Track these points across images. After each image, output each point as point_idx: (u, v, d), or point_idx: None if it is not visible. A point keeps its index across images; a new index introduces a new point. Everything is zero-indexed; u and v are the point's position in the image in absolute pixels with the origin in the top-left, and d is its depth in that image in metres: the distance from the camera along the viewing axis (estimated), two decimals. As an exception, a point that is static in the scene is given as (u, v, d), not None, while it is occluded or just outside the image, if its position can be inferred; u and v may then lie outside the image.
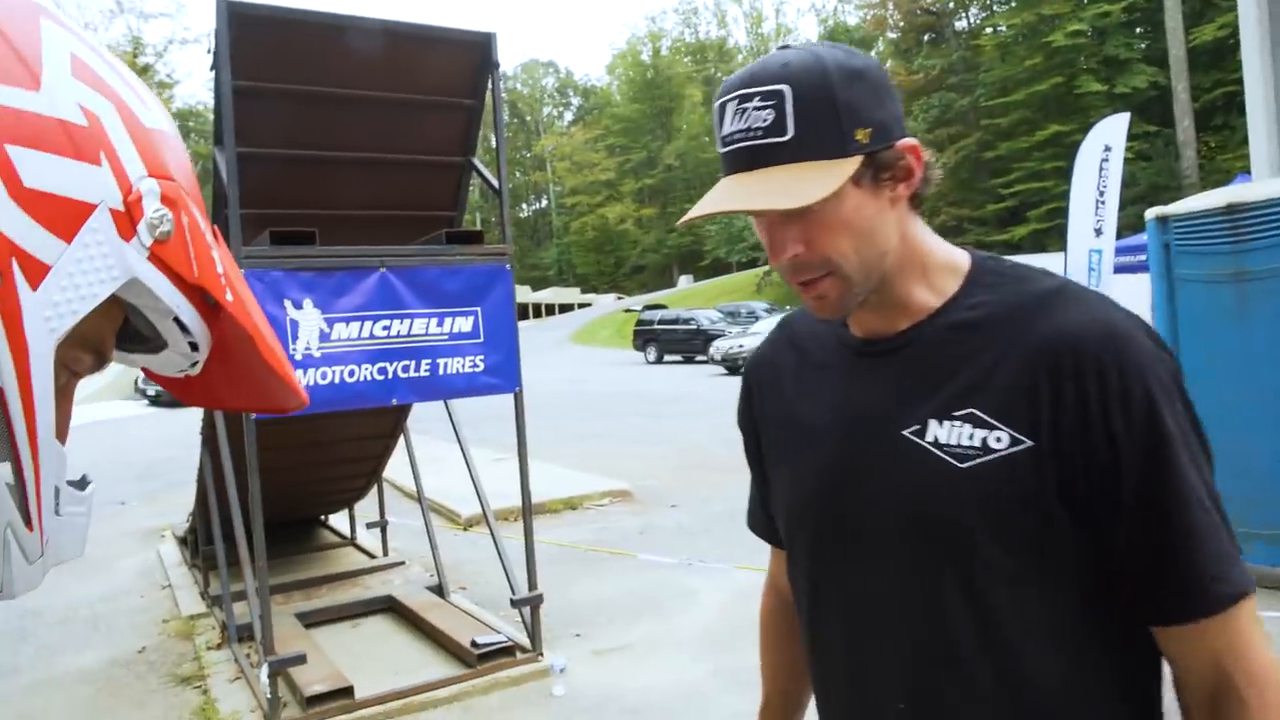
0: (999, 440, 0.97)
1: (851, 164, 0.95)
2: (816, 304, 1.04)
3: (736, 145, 0.98)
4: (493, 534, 5.16)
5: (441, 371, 4.51)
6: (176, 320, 0.59)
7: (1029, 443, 0.96)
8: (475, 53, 4.81)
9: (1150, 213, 5.11)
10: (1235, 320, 4.88)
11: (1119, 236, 10.92)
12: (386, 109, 4.85)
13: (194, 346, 0.63)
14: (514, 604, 4.88)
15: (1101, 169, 10.46)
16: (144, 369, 0.68)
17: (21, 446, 0.52)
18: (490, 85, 4.88)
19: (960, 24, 46.68)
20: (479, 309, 4.61)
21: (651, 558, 6.81)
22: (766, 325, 26.58)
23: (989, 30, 43.89)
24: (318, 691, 4.27)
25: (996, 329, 1.01)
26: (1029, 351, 0.97)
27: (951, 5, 45.92)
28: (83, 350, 0.58)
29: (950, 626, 1.02)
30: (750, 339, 24.95)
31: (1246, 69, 5.90)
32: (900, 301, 1.06)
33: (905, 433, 1.03)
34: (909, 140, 1.00)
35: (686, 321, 30.30)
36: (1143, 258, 12.06)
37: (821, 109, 0.95)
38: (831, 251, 0.99)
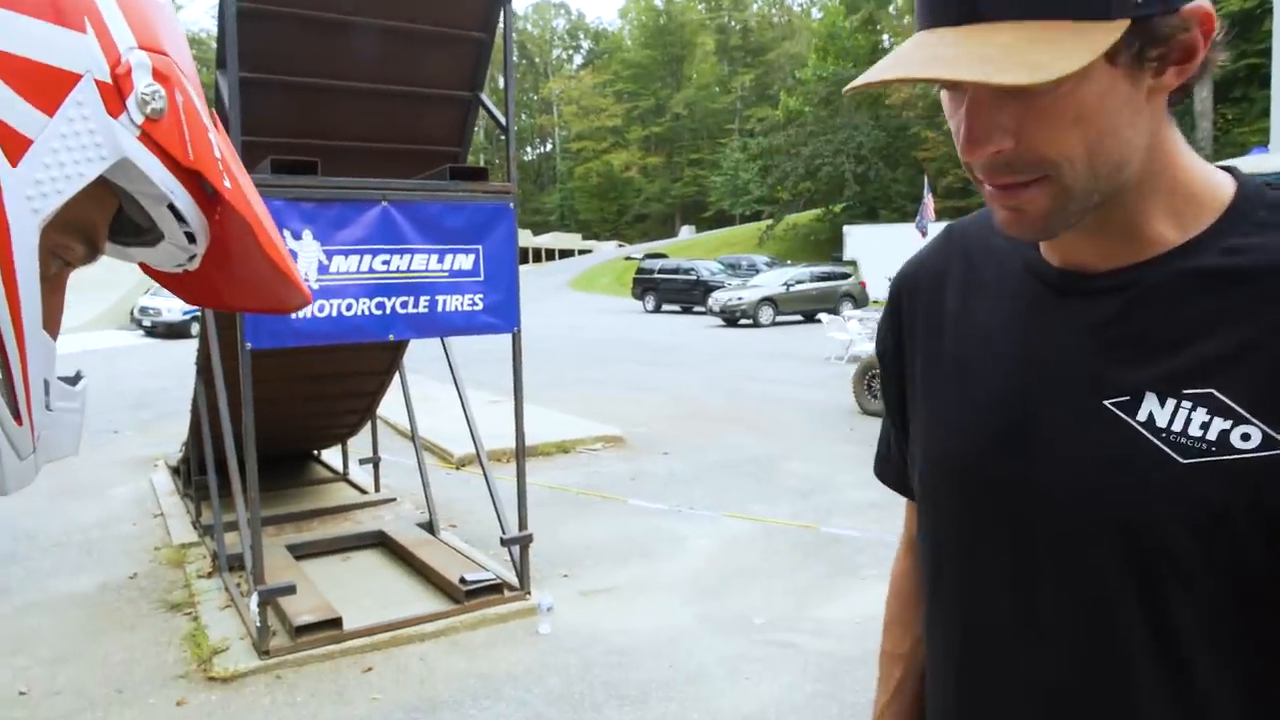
0: (1246, 438, 0.72)
1: (1113, 30, 0.67)
2: (1011, 216, 0.78)
3: None
4: (485, 473, 5.18)
5: (440, 309, 4.48)
6: (171, 208, 0.56)
7: None
8: (485, -15, 4.71)
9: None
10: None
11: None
12: (395, 38, 4.75)
13: (191, 238, 0.59)
14: (504, 543, 4.91)
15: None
16: (141, 265, 0.65)
17: (6, 335, 0.49)
18: (502, 20, 4.78)
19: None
20: (480, 247, 4.57)
21: (641, 503, 6.85)
22: (766, 278, 26.57)
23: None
24: (306, 621, 4.31)
25: (1266, 285, 0.74)
26: None
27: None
28: (73, 238, 0.55)
29: (1121, 660, 0.79)
30: (749, 292, 24.92)
31: (1276, 42, 5.78)
32: (1128, 228, 0.79)
33: (1108, 403, 0.78)
34: (1200, 4, 0.70)
35: (687, 272, 30.23)
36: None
37: None
38: (1052, 151, 0.72)
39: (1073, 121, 0.71)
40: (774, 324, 24.24)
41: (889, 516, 5.97)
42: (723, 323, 24.53)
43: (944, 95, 0.78)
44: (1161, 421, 0.76)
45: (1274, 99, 5.81)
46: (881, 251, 28.80)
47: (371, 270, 4.27)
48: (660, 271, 31.08)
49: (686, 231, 67.38)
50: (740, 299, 24.49)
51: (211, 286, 0.66)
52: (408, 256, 4.36)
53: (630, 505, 6.84)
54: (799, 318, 24.86)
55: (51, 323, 0.54)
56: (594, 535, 6.09)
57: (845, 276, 26.89)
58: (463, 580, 4.77)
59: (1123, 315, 0.80)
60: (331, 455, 7.87)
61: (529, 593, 4.85)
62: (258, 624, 4.19)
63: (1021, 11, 0.68)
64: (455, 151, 5.41)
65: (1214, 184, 0.80)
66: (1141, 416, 0.77)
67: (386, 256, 4.30)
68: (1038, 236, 0.81)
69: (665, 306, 30.38)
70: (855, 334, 14.93)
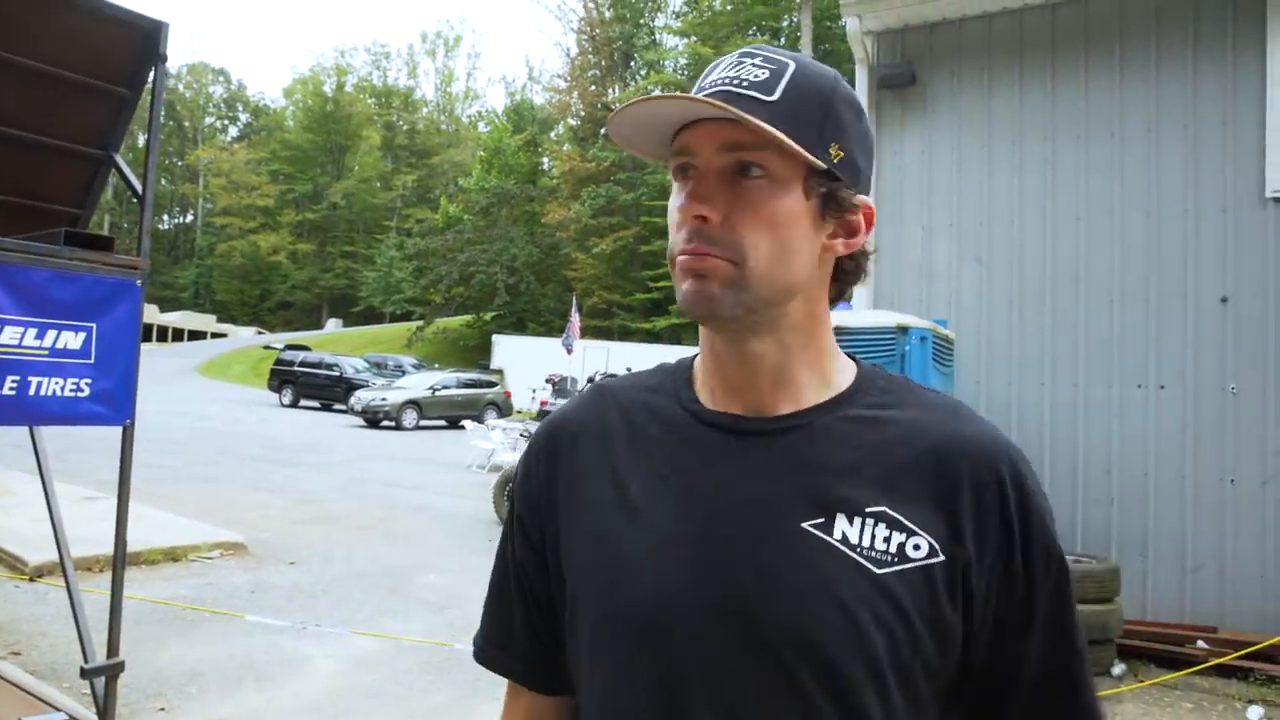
0: (917, 548, 0.84)
1: (815, 162, 0.86)
2: (695, 283, 0.86)
3: (715, 88, 0.87)
4: (69, 586, 4.39)
5: (33, 392, 3.81)
6: None
7: (943, 556, 0.85)
8: (140, 38, 4.25)
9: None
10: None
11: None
12: (20, 76, 4.11)
13: None
14: (85, 674, 4.16)
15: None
16: None
17: None
18: (152, 79, 4.34)
19: (634, 125, 49.98)
20: (94, 325, 3.98)
21: (261, 619, 6.21)
22: (413, 381, 26.14)
23: (656, 136, 47.41)
24: None
25: (907, 430, 0.90)
26: (951, 458, 0.88)
27: (629, 107, 49.12)
28: None
29: None
30: (394, 393, 24.31)
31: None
32: (784, 379, 0.92)
33: (807, 525, 0.85)
34: (868, 200, 0.93)
35: (330, 367, 28.91)
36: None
37: (814, 103, 0.87)
38: (747, 236, 0.85)
39: (767, 220, 0.85)
40: (417, 428, 23.77)
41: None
42: (364, 423, 23.63)
43: (674, 179, 0.90)
44: (854, 538, 0.85)
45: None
46: (528, 362, 29.62)
47: (-54, 339, 3.56)
48: (301, 364, 29.40)
49: (333, 324, 64.92)
50: (384, 400, 23.81)
51: None
52: (-2, 327, 3.70)
53: (248, 622, 6.16)
54: (443, 423, 24.57)
55: None
56: (201, 658, 5.37)
57: (492, 385, 27.16)
58: None
59: (797, 451, 0.89)
60: None
61: (111, 731, 4.13)
62: None
63: (764, 116, 0.83)
64: (75, 214, 4.76)
65: (844, 362, 0.98)
66: (838, 535, 0.85)
67: (-32, 324, 3.62)
68: (705, 311, 0.88)
69: (304, 402, 28.72)
70: (498, 443, 15.01)
